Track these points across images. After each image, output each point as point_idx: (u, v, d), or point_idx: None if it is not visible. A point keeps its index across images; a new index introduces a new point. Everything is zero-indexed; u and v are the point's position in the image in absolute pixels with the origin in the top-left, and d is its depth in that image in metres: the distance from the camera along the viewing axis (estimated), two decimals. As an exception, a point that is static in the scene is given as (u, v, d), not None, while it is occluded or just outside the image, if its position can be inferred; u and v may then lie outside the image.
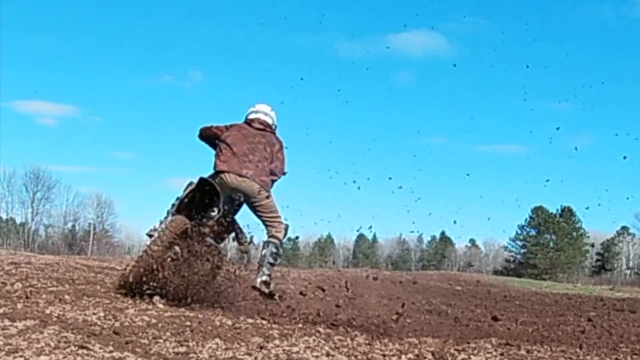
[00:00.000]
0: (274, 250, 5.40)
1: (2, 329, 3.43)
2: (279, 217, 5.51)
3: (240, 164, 5.41)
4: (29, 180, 56.12)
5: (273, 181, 5.58)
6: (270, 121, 5.76)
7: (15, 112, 75.81)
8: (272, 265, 5.39)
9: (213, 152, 5.63)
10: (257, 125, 5.67)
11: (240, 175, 5.37)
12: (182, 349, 3.37)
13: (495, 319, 6.34)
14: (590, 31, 78.16)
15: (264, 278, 5.25)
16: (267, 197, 5.44)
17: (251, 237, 5.82)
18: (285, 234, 5.53)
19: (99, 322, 3.88)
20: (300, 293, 7.43)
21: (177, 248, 5.08)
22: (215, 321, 4.21)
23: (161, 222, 5.43)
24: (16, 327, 3.52)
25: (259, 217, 5.51)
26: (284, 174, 5.68)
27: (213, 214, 5.30)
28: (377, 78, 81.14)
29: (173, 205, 5.45)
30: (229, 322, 4.22)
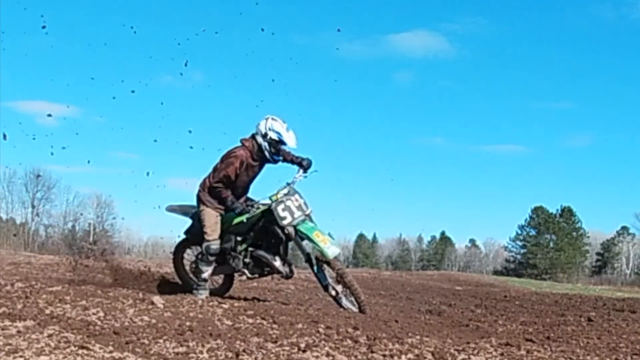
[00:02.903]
0: (193, 264, 6.21)
1: (2, 329, 3.43)
2: (204, 232, 5.95)
3: None
4: (29, 180, 56.09)
5: (209, 192, 5.93)
6: (255, 130, 5.93)
7: (16, 112, 75.78)
8: (194, 273, 6.17)
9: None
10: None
11: None
12: (182, 349, 3.38)
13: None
14: (590, 31, 78.21)
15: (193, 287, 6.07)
16: (200, 211, 5.93)
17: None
18: (206, 249, 5.94)
19: (99, 322, 3.89)
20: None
21: None
22: (215, 321, 4.21)
23: None
24: (16, 327, 3.52)
25: None
26: (209, 184, 5.90)
27: None
28: (377, 78, 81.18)
29: None
30: (229, 322, 4.22)
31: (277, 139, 5.81)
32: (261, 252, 5.87)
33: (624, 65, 76.13)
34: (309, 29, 78.21)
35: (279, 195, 5.74)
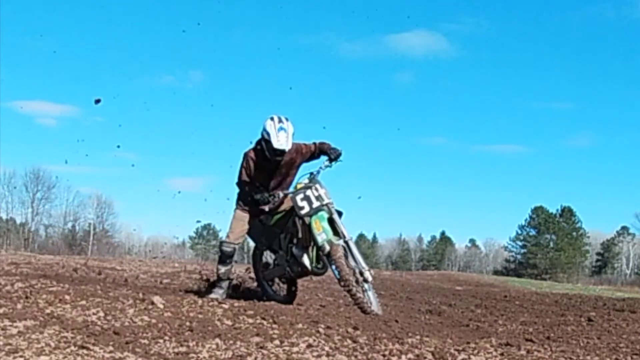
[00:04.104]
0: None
1: (2, 329, 3.43)
2: (229, 228, 6.12)
3: None
4: (29, 180, 56.12)
5: (238, 194, 6.12)
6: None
7: (16, 112, 75.80)
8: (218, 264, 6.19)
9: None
10: None
11: None
12: (182, 349, 3.37)
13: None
14: (590, 31, 78.22)
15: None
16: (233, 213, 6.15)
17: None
18: (220, 247, 6.14)
19: (99, 322, 3.88)
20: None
21: None
22: (215, 321, 4.20)
23: None
24: (16, 327, 3.52)
25: None
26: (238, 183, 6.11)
27: None
28: (377, 78, 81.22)
29: None
30: (229, 322, 4.21)
31: (267, 138, 5.81)
32: (294, 249, 5.78)
33: (624, 65, 76.26)
34: (309, 29, 78.28)
35: (299, 186, 5.71)
